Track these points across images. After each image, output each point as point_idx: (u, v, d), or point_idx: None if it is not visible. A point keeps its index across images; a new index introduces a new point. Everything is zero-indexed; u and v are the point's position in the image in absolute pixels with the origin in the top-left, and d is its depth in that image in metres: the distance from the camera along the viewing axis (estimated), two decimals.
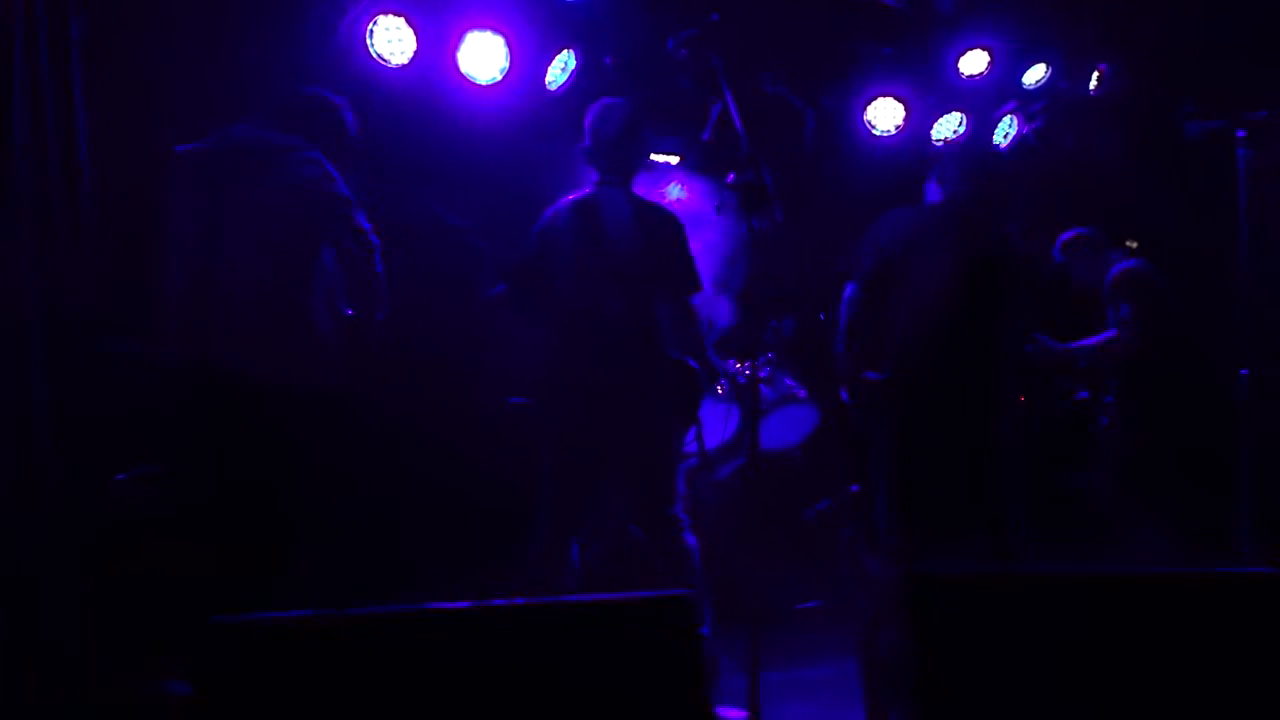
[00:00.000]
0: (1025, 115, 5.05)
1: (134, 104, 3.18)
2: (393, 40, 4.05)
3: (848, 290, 3.64)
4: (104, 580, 2.57)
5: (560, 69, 4.40)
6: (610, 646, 1.69)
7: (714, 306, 4.20)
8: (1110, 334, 4.13)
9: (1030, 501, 3.52)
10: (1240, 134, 2.93)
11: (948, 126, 5.03)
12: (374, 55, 4.03)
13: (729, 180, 2.61)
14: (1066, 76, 4.79)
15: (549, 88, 4.40)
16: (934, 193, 3.76)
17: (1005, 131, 5.11)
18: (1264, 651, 1.98)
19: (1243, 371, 2.88)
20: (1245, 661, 1.97)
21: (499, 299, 3.45)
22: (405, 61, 4.06)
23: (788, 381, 4.51)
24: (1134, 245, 4.98)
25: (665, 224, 3.30)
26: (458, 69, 4.18)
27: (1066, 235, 4.52)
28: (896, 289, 3.53)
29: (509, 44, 4.20)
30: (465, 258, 3.62)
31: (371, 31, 4.01)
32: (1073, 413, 4.55)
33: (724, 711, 2.92)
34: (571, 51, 4.36)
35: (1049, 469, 4.63)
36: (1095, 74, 4.79)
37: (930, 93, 4.84)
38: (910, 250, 3.51)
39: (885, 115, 4.92)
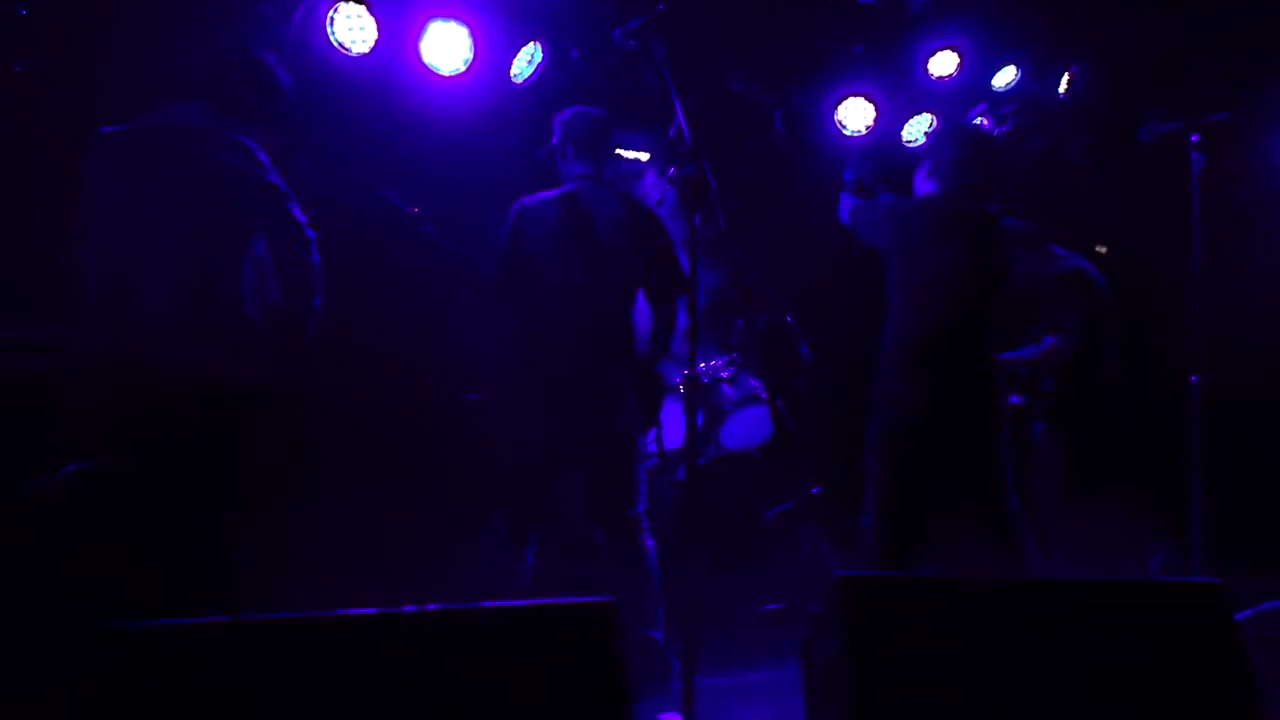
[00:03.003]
0: (996, 117, 5.02)
1: (76, 84, 3.09)
2: (354, 28, 3.97)
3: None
4: (19, 588, 2.46)
5: (526, 61, 4.33)
6: (531, 654, 1.64)
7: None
8: (1051, 341, 3.97)
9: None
10: (1194, 138, 2.87)
11: (918, 128, 5.00)
12: (334, 43, 3.95)
13: (670, 174, 2.55)
14: (1037, 79, 4.77)
15: (514, 80, 4.33)
16: (925, 184, 3.57)
17: None
18: (1208, 657, 1.96)
19: (1193, 379, 2.82)
20: (1190, 668, 1.95)
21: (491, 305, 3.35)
22: (366, 50, 3.99)
23: (752, 382, 4.46)
24: (1104, 250, 4.96)
25: (655, 223, 3.28)
26: (420, 59, 4.10)
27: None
28: (902, 279, 3.38)
29: (473, 35, 4.13)
30: (421, 249, 3.53)
31: (332, 19, 3.93)
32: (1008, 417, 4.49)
33: (663, 717, 2.87)
34: (538, 44, 4.30)
35: None
36: (1065, 76, 4.78)
37: (900, 93, 4.81)
38: (917, 245, 3.35)
39: (856, 115, 4.89)
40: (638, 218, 3.24)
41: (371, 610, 1.58)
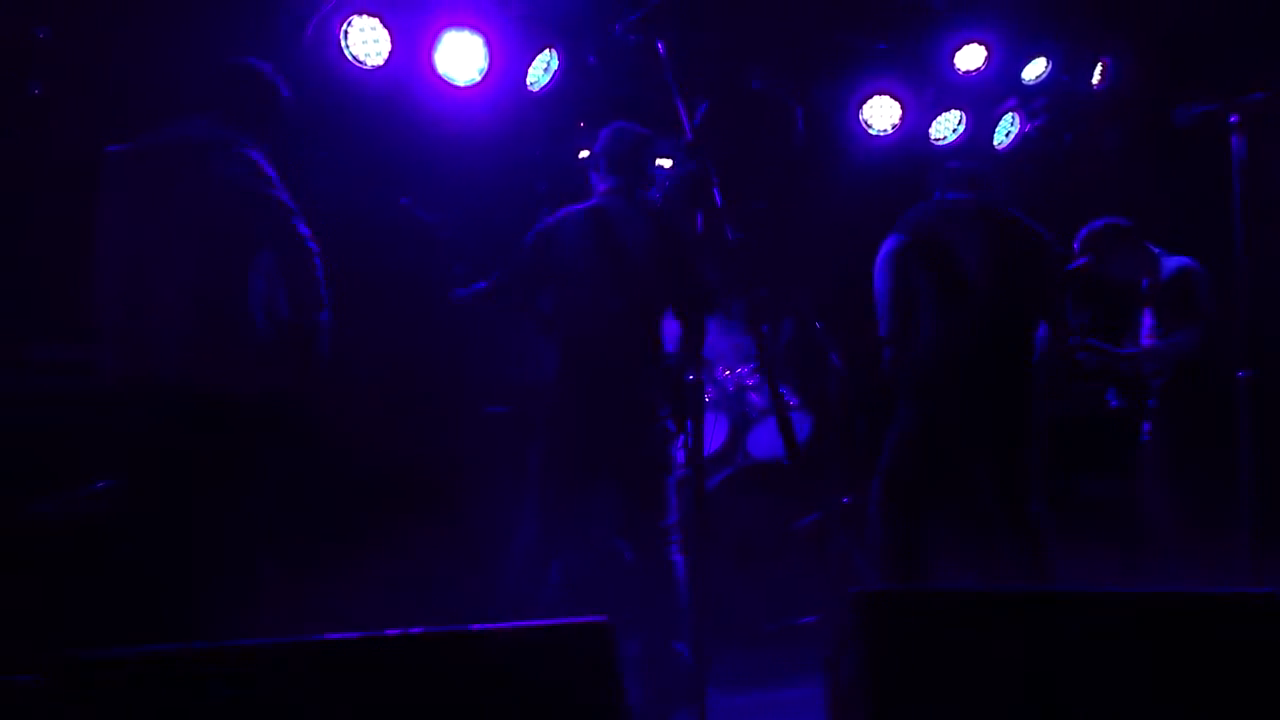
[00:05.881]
0: (1027, 112, 4.88)
1: (94, 105, 3.09)
2: (367, 41, 3.96)
3: (889, 242, 3.41)
4: (38, 603, 2.46)
5: (542, 69, 4.28)
6: (529, 677, 1.56)
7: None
8: (1180, 336, 3.81)
9: (1061, 510, 3.37)
10: (1233, 119, 2.71)
11: (946, 125, 4.87)
12: (348, 57, 3.93)
13: (669, 170, 2.47)
14: (1067, 70, 4.62)
15: (530, 88, 4.28)
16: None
17: (1007, 130, 4.94)
18: (1263, 676, 1.82)
19: (1239, 374, 2.66)
20: (1240, 686, 1.82)
21: (479, 295, 3.33)
22: (380, 63, 3.96)
23: (780, 389, 4.34)
24: None
25: (682, 238, 3.26)
26: (435, 70, 4.07)
27: (1095, 225, 4.12)
28: (929, 279, 3.38)
29: (488, 43, 4.09)
30: (440, 259, 3.50)
31: (345, 32, 3.92)
32: (1106, 419, 4.28)
33: None
34: (554, 51, 4.25)
35: (1081, 477, 4.42)
36: (1099, 66, 4.62)
37: (926, 90, 4.69)
38: (944, 241, 3.36)
39: (881, 114, 4.77)
40: (664, 233, 3.23)
41: (372, 634, 1.51)
